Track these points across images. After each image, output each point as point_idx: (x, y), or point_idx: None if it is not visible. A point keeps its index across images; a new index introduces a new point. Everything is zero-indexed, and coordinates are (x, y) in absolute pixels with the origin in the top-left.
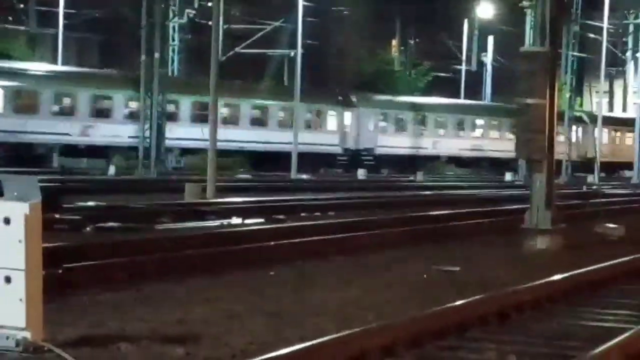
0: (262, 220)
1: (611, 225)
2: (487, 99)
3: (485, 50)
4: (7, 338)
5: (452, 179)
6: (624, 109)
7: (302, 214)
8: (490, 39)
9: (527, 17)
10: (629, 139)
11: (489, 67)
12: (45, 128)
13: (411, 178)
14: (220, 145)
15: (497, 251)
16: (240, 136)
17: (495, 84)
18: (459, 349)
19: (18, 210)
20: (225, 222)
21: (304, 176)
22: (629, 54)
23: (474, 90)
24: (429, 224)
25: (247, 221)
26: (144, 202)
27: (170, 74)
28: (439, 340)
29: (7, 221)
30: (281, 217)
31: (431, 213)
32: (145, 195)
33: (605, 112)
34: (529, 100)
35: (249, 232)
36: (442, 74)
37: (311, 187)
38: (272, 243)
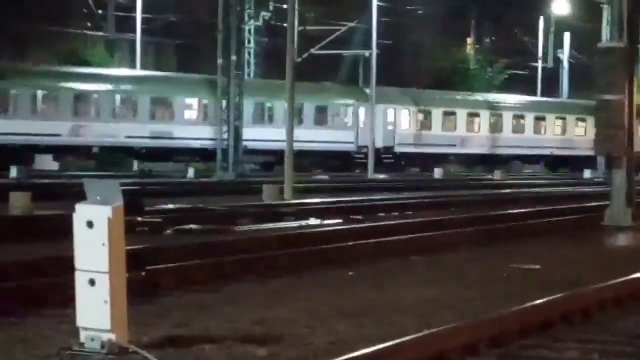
0: (340, 220)
1: None
2: (564, 96)
3: (562, 47)
4: (92, 340)
5: (530, 177)
6: None
7: (380, 214)
8: (567, 35)
9: (604, 12)
10: None
11: (566, 64)
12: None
13: (489, 176)
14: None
15: (577, 249)
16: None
17: (573, 81)
18: (542, 348)
19: (101, 213)
20: (303, 222)
21: (381, 176)
22: None
23: (550, 87)
24: (507, 222)
25: (326, 221)
26: (222, 204)
27: (246, 76)
28: (521, 339)
29: (90, 225)
30: (359, 217)
31: (510, 211)
32: (223, 197)
33: None
34: (607, 97)
35: (327, 232)
36: (518, 71)
37: (388, 186)
38: (351, 243)
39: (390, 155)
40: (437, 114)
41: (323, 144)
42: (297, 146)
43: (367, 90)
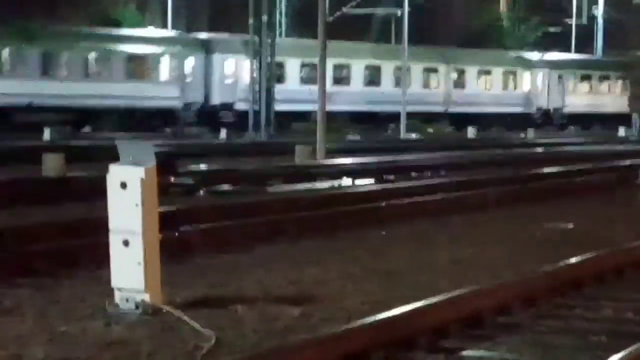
0: (372, 180)
1: None
2: (598, 54)
3: (596, 3)
4: (127, 300)
5: (563, 136)
6: None
7: (412, 174)
8: None
9: None
10: None
11: (600, 21)
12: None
13: (522, 135)
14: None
15: (611, 208)
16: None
17: (607, 38)
18: (575, 307)
19: (134, 174)
20: (336, 183)
21: (413, 135)
22: None
23: (585, 44)
24: (541, 182)
25: (358, 182)
26: (255, 165)
27: (279, 37)
28: (555, 299)
29: (123, 185)
30: (391, 177)
31: (543, 170)
32: (256, 158)
33: None
34: None
35: (360, 192)
36: (552, 29)
37: (421, 146)
38: (384, 203)
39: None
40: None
41: (136, 100)
42: (105, 103)
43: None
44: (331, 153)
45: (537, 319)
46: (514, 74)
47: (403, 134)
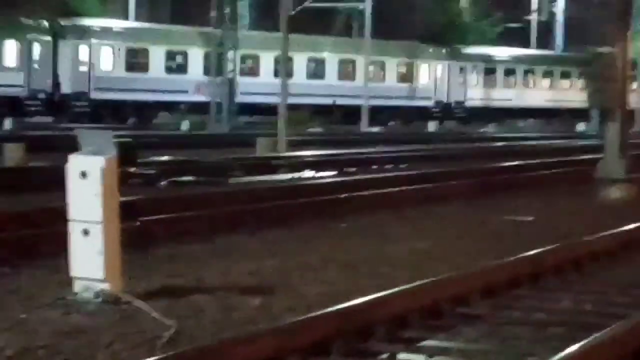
0: (334, 173)
1: None
2: (558, 50)
3: (556, 0)
4: (87, 289)
5: (523, 130)
6: None
7: (374, 167)
8: None
9: None
10: None
11: (560, 17)
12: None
13: (482, 130)
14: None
15: (570, 201)
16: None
17: (567, 34)
18: (534, 299)
19: (94, 164)
20: (297, 175)
21: (375, 129)
22: None
23: (545, 40)
24: (501, 175)
25: (319, 174)
26: (217, 156)
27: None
28: (514, 290)
29: (84, 175)
30: (352, 169)
31: (503, 164)
32: (218, 150)
33: None
34: (601, 49)
35: (321, 185)
36: (513, 25)
37: (382, 139)
38: (344, 195)
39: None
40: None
41: None
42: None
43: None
44: (293, 146)
45: (496, 310)
46: (411, 65)
47: (364, 128)
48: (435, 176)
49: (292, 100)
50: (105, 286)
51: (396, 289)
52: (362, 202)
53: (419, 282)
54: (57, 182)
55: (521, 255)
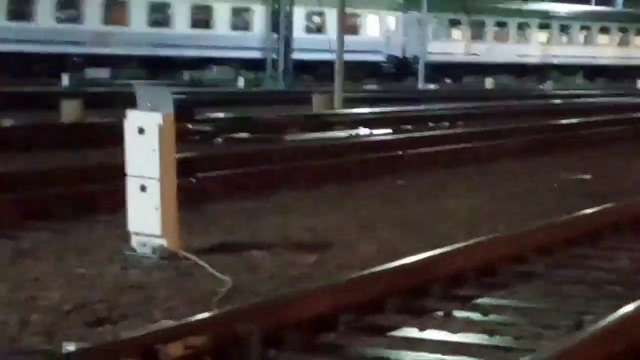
0: (389, 130)
1: None
2: (619, 6)
3: None
4: (144, 245)
5: (583, 88)
6: None
7: (430, 124)
8: None
9: None
10: None
11: None
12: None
13: (540, 87)
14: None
15: (630, 159)
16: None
17: None
18: (591, 257)
19: (151, 120)
20: (353, 132)
21: (431, 86)
22: None
23: None
24: (558, 133)
25: (375, 131)
26: (272, 113)
27: None
28: (571, 249)
29: (141, 131)
30: (408, 127)
31: (561, 122)
32: (274, 106)
33: None
34: None
35: (377, 142)
36: None
37: (439, 96)
38: (400, 152)
39: None
40: None
41: None
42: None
43: None
44: (349, 102)
45: (553, 269)
46: (356, 16)
47: (421, 85)
48: (491, 134)
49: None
50: (162, 242)
51: (452, 247)
52: (418, 159)
53: (475, 240)
54: (114, 138)
55: (578, 213)
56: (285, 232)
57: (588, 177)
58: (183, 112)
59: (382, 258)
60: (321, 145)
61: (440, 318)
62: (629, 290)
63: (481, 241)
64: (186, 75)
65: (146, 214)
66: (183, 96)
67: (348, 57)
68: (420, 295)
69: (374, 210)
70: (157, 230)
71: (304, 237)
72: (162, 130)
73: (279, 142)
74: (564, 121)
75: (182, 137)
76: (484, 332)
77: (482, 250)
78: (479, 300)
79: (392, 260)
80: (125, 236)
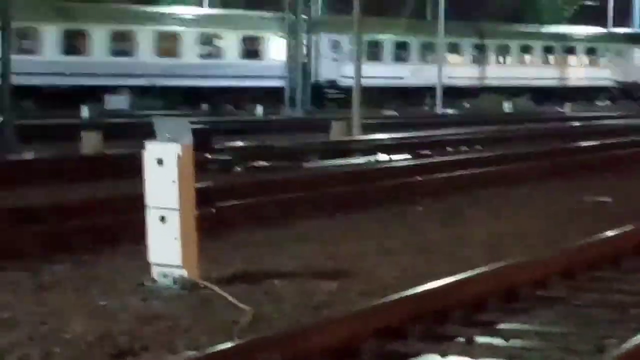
0: (408, 156)
1: None
2: (636, 27)
3: None
4: (165, 276)
5: (602, 110)
6: None
7: (448, 149)
8: None
9: None
10: None
11: None
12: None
13: (559, 109)
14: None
15: None
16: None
17: None
18: (613, 280)
19: (171, 151)
20: (371, 158)
21: (449, 111)
22: None
23: (624, 18)
24: (578, 156)
25: (394, 157)
26: (291, 141)
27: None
28: (592, 272)
29: (160, 162)
30: (427, 152)
31: (581, 144)
32: (292, 134)
33: None
34: None
35: (396, 168)
36: (590, 2)
37: (456, 121)
38: (420, 178)
39: None
40: None
41: None
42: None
43: None
44: (367, 128)
45: (575, 292)
46: (258, 39)
47: (439, 109)
48: (510, 157)
49: None
50: (183, 272)
51: (472, 272)
52: (437, 184)
53: (496, 265)
54: (134, 169)
55: (600, 236)
56: (306, 260)
57: (609, 199)
58: (202, 141)
59: (403, 284)
60: (340, 172)
61: (462, 344)
62: None
63: (502, 266)
64: (204, 105)
65: (166, 245)
66: (202, 126)
67: (249, 83)
68: (442, 321)
69: (394, 236)
70: (178, 261)
71: (325, 264)
72: (181, 160)
73: (297, 169)
74: (583, 144)
75: (202, 167)
76: (505, 357)
77: (504, 275)
78: (501, 326)
79: (413, 287)
80: (147, 267)
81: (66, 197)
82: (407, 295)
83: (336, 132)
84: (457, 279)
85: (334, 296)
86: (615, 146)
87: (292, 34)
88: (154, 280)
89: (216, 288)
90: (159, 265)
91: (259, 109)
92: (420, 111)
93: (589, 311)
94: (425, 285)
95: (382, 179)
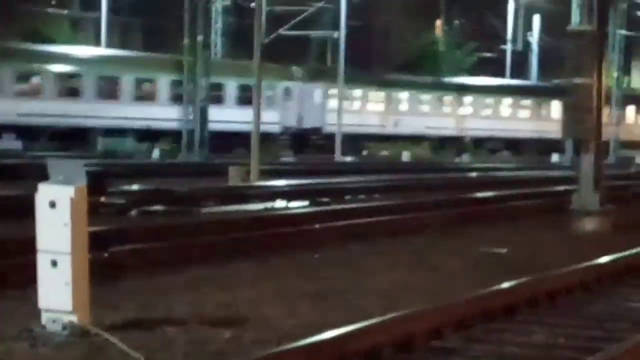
0: (306, 203)
1: None
2: (533, 80)
3: (531, 30)
4: (54, 321)
5: (497, 161)
6: None
7: (347, 197)
8: (536, 18)
9: None
10: None
11: (535, 47)
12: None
13: (456, 160)
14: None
15: (544, 233)
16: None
17: (542, 64)
18: (507, 332)
19: (64, 194)
20: (269, 205)
21: (348, 158)
22: None
23: (520, 70)
24: (474, 206)
25: (292, 204)
26: (188, 185)
27: (213, 56)
28: (487, 323)
29: (52, 205)
30: (325, 199)
31: (477, 195)
32: (189, 179)
33: None
34: (577, 80)
35: (293, 215)
36: (488, 54)
37: (355, 169)
38: (317, 226)
39: None
40: None
41: None
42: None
43: None
44: (265, 175)
45: (469, 344)
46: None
47: (338, 157)
48: (409, 207)
49: None
50: (73, 318)
51: (368, 322)
52: (335, 232)
53: (392, 315)
54: (26, 211)
55: (494, 288)
56: (200, 307)
57: (504, 250)
58: (96, 184)
59: (299, 333)
60: (237, 218)
61: None
62: None
63: (398, 316)
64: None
65: (57, 290)
66: (97, 168)
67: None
68: None
69: (290, 284)
70: (68, 306)
71: (219, 312)
72: (74, 203)
73: (194, 215)
74: (480, 194)
75: (96, 210)
76: None
77: (399, 325)
78: None
79: (309, 336)
80: (36, 313)
81: None
82: (301, 345)
83: (234, 178)
84: (352, 328)
85: (227, 345)
86: (511, 198)
87: (190, 76)
88: (43, 327)
89: (107, 335)
90: (48, 310)
91: (156, 152)
92: (319, 158)
93: None
94: (321, 334)
95: (279, 226)
